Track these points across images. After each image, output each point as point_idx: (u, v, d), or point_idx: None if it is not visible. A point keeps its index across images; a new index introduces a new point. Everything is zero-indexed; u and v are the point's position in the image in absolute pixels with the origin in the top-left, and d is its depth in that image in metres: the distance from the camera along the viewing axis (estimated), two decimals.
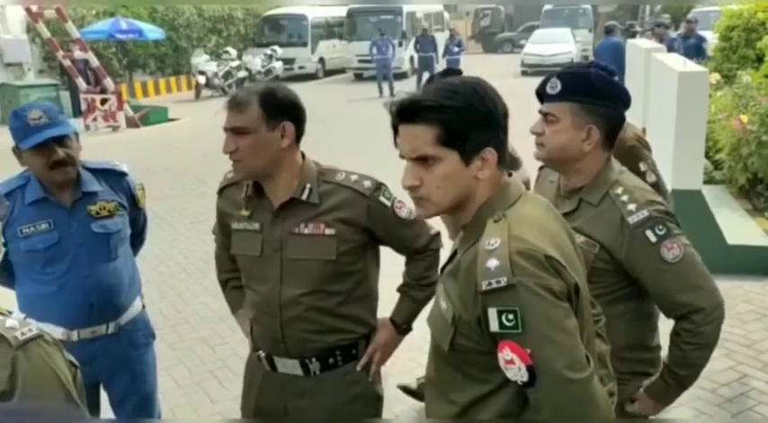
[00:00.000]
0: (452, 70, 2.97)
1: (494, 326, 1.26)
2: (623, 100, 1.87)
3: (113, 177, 2.46)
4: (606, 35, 10.58)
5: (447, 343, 1.36)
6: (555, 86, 1.82)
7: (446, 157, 1.33)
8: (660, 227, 1.77)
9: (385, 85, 17.28)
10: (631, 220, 1.77)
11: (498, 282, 1.24)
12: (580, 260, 1.45)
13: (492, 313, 1.25)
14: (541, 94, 1.87)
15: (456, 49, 18.46)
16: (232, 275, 2.25)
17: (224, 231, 2.11)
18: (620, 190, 1.82)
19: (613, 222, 1.80)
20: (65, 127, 2.25)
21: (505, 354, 1.25)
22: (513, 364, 1.25)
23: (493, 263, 1.25)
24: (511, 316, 1.24)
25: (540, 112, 1.87)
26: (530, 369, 1.24)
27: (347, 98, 16.78)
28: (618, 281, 1.84)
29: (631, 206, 1.79)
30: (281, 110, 1.87)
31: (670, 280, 1.78)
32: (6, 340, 1.15)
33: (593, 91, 1.80)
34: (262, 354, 2.05)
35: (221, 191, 2.09)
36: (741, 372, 3.66)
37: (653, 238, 1.76)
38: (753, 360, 3.78)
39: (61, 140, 2.23)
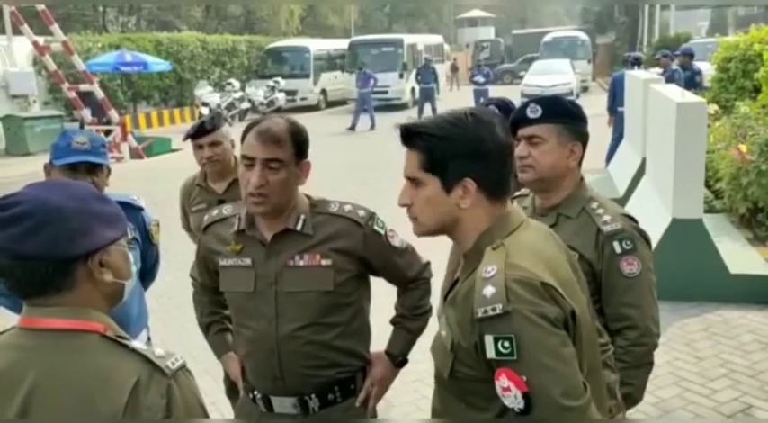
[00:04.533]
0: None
1: (490, 353, 1.26)
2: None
3: (129, 211, 2.44)
4: (632, 66, 10.18)
5: (447, 370, 1.37)
6: (536, 110, 1.93)
7: (429, 183, 1.39)
8: (628, 242, 1.88)
9: (366, 118, 16.83)
10: (605, 229, 1.90)
11: (494, 309, 1.25)
12: (582, 287, 1.46)
13: (488, 340, 1.26)
14: (516, 122, 1.95)
15: (482, 79, 17.39)
16: (214, 319, 2.22)
17: (208, 270, 2.06)
18: (595, 205, 1.96)
19: (591, 235, 1.91)
20: (101, 158, 2.32)
21: (502, 381, 1.26)
22: (509, 392, 1.26)
23: (489, 290, 1.27)
24: (506, 343, 1.24)
25: (523, 136, 1.95)
26: (525, 396, 1.24)
27: (347, 129, 16.93)
28: (591, 294, 1.87)
29: (606, 217, 1.92)
30: (305, 147, 1.88)
31: (620, 292, 1.90)
32: (160, 369, 1.18)
33: (570, 112, 1.95)
34: (257, 394, 1.96)
35: (206, 228, 2.03)
36: (746, 402, 3.63)
37: (618, 250, 1.89)
38: (758, 391, 3.75)
39: (93, 169, 2.28)
